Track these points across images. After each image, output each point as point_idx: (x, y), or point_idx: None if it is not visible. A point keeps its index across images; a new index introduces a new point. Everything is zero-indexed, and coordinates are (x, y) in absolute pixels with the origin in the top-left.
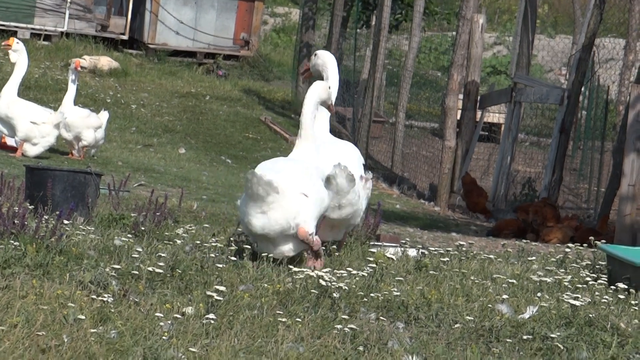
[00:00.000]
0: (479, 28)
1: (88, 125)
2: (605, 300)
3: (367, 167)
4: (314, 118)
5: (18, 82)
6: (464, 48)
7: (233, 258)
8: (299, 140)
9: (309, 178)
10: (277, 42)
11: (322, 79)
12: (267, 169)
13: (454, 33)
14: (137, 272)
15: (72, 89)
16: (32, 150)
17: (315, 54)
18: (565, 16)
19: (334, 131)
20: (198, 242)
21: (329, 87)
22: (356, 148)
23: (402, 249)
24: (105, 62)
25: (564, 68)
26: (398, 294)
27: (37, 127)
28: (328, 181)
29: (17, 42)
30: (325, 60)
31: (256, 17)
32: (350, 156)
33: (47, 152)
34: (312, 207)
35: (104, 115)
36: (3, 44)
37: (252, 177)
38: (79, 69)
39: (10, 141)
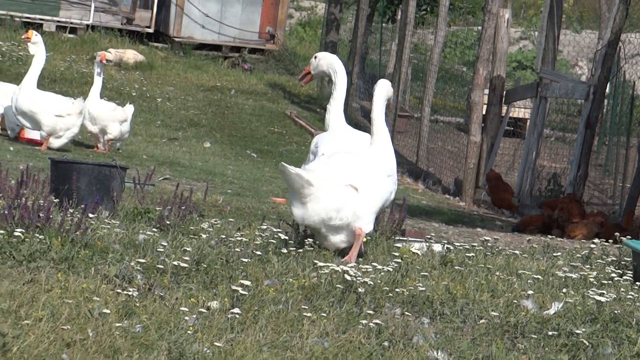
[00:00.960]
0: (504, 23)
1: (114, 118)
2: (631, 297)
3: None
4: (384, 114)
5: (37, 74)
6: (489, 43)
7: (258, 252)
8: (374, 138)
9: (363, 171)
10: (302, 36)
11: (326, 80)
12: (314, 162)
13: (480, 28)
14: (162, 266)
15: (98, 82)
16: (56, 143)
17: (316, 57)
18: (591, 11)
19: (359, 126)
20: (223, 236)
21: (390, 85)
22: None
23: (428, 244)
24: (131, 55)
25: (580, 59)
26: (423, 289)
27: (62, 120)
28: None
29: (36, 35)
30: (331, 61)
31: (282, 11)
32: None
33: (73, 145)
34: (365, 201)
35: (130, 109)
36: (23, 37)
37: (283, 170)
38: (105, 61)
39: (29, 133)
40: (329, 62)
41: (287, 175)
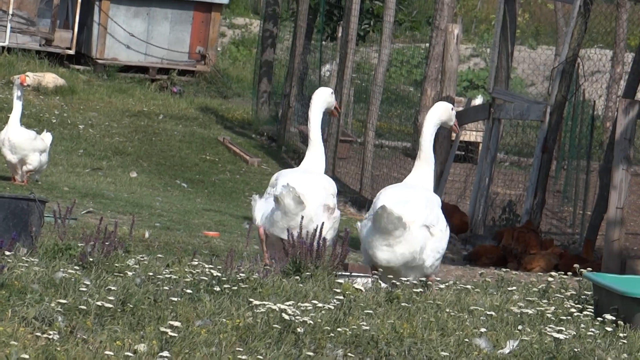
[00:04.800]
0: (454, 39)
1: (34, 147)
2: (592, 333)
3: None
4: (433, 140)
5: None
6: (438, 61)
7: (189, 291)
8: (418, 163)
9: (434, 209)
10: (236, 55)
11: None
12: (395, 203)
13: (427, 44)
14: (84, 307)
15: (18, 107)
16: None
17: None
18: (547, 25)
19: (297, 152)
20: (151, 273)
21: (452, 109)
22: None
23: (372, 279)
24: (51, 79)
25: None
26: (367, 328)
27: None
28: (276, 201)
29: None
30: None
31: (213, 29)
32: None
33: None
34: (441, 239)
35: (48, 137)
36: None
37: (382, 212)
38: (25, 84)
39: None
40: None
41: (387, 216)
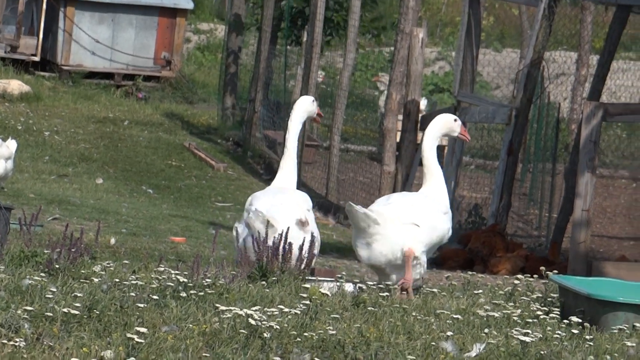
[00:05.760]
0: (419, 43)
1: (0, 155)
2: (558, 336)
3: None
4: (435, 153)
5: None
6: (403, 64)
7: (155, 297)
8: (426, 177)
9: (421, 209)
10: (201, 61)
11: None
12: (376, 204)
13: (392, 48)
14: (51, 314)
15: None
16: None
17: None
18: (512, 28)
19: (263, 157)
20: (117, 280)
21: (455, 120)
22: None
23: (338, 283)
24: (16, 85)
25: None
26: (334, 332)
27: None
28: (247, 227)
29: None
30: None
31: (178, 35)
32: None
33: None
34: (423, 235)
35: (13, 144)
36: None
37: (351, 209)
38: None
39: None
40: None
41: (354, 214)
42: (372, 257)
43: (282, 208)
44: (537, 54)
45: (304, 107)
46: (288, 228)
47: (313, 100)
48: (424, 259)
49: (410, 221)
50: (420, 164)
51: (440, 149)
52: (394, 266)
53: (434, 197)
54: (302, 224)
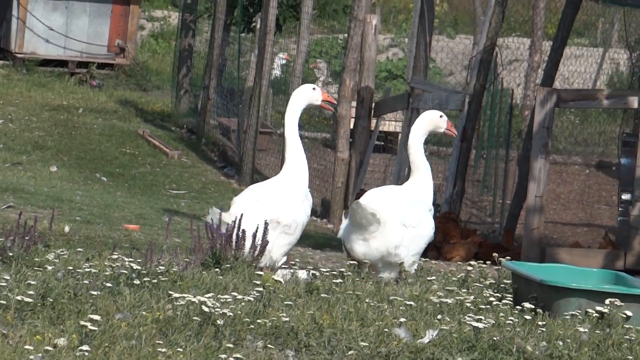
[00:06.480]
0: (372, 29)
1: None
2: (511, 322)
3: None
4: (423, 150)
5: None
6: (356, 51)
7: (109, 284)
8: (413, 173)
9: (415, 209)
10: (155, 48)
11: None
12: (370, 200)
13: (346, 35)
14: (4, 302)
15: None
16: None
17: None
18: (465, 15)
19: (217, 144)
20: (71, 267)
21: (440, 116)
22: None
23: (292, 270)
24: None
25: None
26: (287, 319)
27: None
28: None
29: None
30: None
31: (132, 22)
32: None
33: None
34: (418, 239)
35: None
36: None
37: (357, 208)
38: None
39: None
40: None
41: (360, 213)
42: (368, 254)
43: (250, 205)
44: (490, 40)
45: (304, 96)
46: (241, 215)
47: (314, 88)
48: (417, 258)
49: (409, 223)
50: (374, 150)
51: (394, 135)
52: (386, 263)
53: (420, 192)
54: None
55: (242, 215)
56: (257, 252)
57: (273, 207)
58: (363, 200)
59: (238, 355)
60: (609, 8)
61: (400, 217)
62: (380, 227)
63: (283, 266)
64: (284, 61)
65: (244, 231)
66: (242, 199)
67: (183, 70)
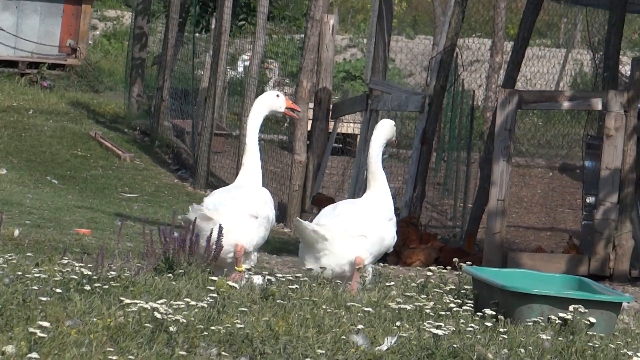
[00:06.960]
0: (329, 29)
1: None
2: (471, 329)
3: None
4: (380, 159)
5: None
6: (313, 52)
7: (58, 290)
8: (370, 184)
9: (369, 221)
10: (108, 49)
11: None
12: (323, 216)
13: (302, 36)
14: None
15: None
16: None
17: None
18: (425, 15)
19: (170, 147)
20: (19, 273)
21: (394, 124)
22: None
23: (247, 275)
24: None
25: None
26: (242, 326)
27: None
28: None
29: None
30: None
31: (84, 22)
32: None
33: None
34: (371, 246)
35: None
36: None
37: (299, 225)
38: None
39: None
40: None
41: (302, 230)
42: (324, 270)
43: (227, 205)
44: (451, 40)
45: (265, 103)
46: (195, 219)
47: (278, 95)
48: (369, 269)
49: (359, 233)
50: (332, 153)
51: (352, 137)
52: (342, 278)
53: (379, 203)
54: (252, 217)
55: (195, 219)
56: (212, 255)
57: (249, 203)
58: (317, 219)
59: None
60: (572, 8)
61: (350, 230)
62: (327, 244)
63: (246, 269)
64: (247, 62)
65: (197, 236)
66: (216, 197)
67: (136, 72)
